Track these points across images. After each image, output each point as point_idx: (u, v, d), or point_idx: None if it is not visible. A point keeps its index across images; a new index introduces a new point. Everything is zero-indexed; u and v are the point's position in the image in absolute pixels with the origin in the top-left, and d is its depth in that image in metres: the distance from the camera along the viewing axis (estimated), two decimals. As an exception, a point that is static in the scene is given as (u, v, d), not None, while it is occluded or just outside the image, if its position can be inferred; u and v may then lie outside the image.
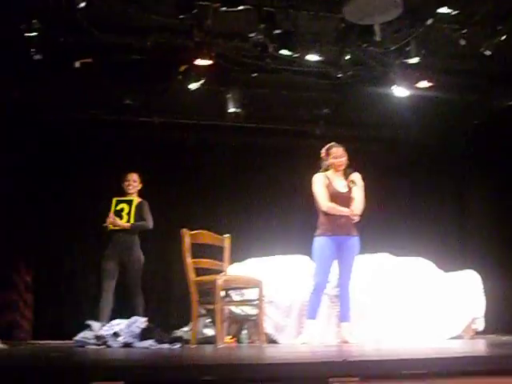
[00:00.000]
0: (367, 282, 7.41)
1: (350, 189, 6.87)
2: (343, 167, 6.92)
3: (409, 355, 4.27)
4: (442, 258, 8.48)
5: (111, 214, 7.60)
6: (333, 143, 6.98)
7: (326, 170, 6.96)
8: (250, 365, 3.80)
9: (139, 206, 7.74)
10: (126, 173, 7.80)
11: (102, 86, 8.26)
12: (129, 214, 7.67)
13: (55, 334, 8.03)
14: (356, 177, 6.92)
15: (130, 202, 7.72)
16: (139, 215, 7.70)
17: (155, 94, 8.53)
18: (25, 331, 8.36)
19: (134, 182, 7.79)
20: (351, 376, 3.36)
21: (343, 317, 6.87)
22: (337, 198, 6.81)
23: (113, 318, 6.97)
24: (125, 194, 7.78)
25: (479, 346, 6.15)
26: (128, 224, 7.64)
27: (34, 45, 6.90)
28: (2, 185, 7.96)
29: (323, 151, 6.99)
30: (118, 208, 7.68)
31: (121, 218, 7.63)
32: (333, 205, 6.75)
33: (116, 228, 7.62)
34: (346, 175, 6.93)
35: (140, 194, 7.86)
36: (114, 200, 7.69)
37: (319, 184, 6.84)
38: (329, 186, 6.83)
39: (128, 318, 6.68)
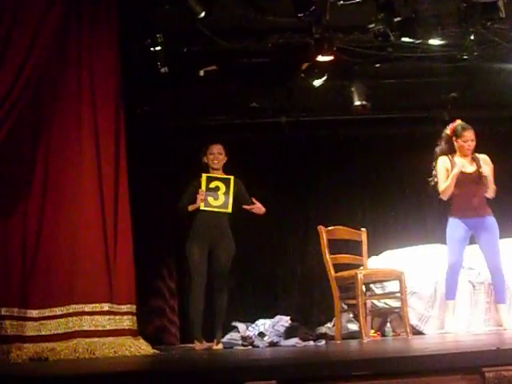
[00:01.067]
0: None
1: (478, 168, 6.67)
2: (471, 153, 6.73)
3: None
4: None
5: (202, 192, 6.52)
6: (462, 123, 6.76)
7: (449, 152, 6.78)
8: (397, 358, 3.77)
9: (238, 186, 6.74)
10: (208, 144, 6.78)
11: (227, 92, 8.41)
12: (226, 194, 6.59)
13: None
14: (485, 158, 6.71)
15: (226, 181, 6.62)
16: (242, 196, 6.73)
17: (280, 95, 8.60)
18: (173, 335, 8.60)
19: (219, 155, 6.72)
20: (508, 365, 3.27)
21: (499, 299, 6.70)
22: (466, 179, 6.63)
23: (257, 317, 7.07)
24: (207, 169, 6.74)
25: None
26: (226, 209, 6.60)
27: (159, 58, 7.12)
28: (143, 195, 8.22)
29: (449, 130, 6.80)
30: (212, 186, 6.60)
31: (216, 198, 6.59)
32: (450, 186, 6.58)
33: (208, 209, 6.57)
34: (473, 158, 6.74)
35: (224, 168, 6.86)
36: (205, 176, 6.61)
37: (440, 169, 6.71)
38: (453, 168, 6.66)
39: (271, 317, 6.79)
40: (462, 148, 6.71)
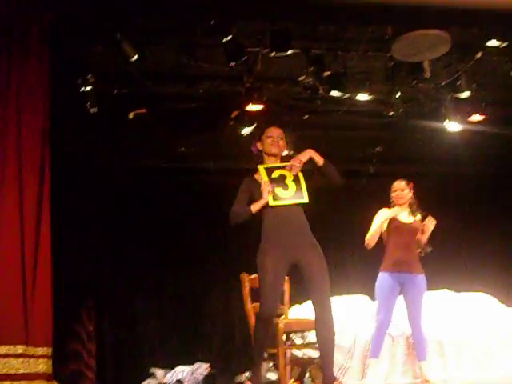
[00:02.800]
0: (428, 320, 7.31)
1: (414, 219, 6.79)
2: (403, 201, 6.85)
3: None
4: (504, 293, 8.33)
5: (267, 182, 5.15)
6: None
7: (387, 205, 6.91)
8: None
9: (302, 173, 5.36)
10: (266, 127, 5.53)
11: (156, 135, 8.40)
12: (296, 182, 5.25)
13: (119, 383, 8.08)
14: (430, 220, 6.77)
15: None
16: (309, 178, 5.37)
17: (209, 141, 8.64)
18: (90, 381, 8.41)
19: (280, 140, 5.47)
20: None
21: (420, 356, 6.75)
22: (402, 230, 6.74)
23: (176, 364, 6.99)
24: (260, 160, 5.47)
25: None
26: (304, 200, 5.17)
27: (89, 99, 7.08)
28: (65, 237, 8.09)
29: None
30: (275, 176, 5.23)
31: (285, 188, 5.21)
32: (371, 231, 6.66)
33: (279, 203, 5.16)
34: (413, 210, 6.86)
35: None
36: (262, 167, 5.29)
37: (376, 218, 6.80)
38: (392, 219, 6.77)
39: (191, 363, 6.71)
40: (393, 198, 6.84)
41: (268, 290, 5.03)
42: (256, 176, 5.33)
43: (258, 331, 5.14)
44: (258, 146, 5.46)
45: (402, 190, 6.82)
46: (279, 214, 5.12)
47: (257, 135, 5.61)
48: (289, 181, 5.20)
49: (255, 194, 5.20)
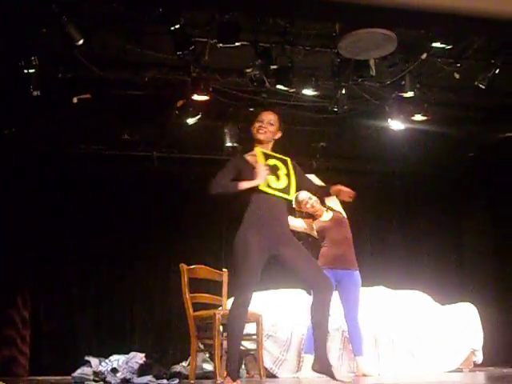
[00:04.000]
0: (363, 315, 7.41)
1: (332, 213, 6.89)
2: (319, 212, 6.91)
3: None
4: (439, 291, 8.49)
5: (263, 166, 4.90)
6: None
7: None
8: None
9: (298, 170, 5.22)
10: (259, 112, 5.29)
11: (100, 122, 8.31)
12: (288, 176, 5.07)
13: (53, 370, 7.99)
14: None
15: (284, 162, 5.12)
16: (305, 180, 5.29)
17: (153, 129, 8.59)
18: (22, 367, 8.31)
19: (269, 126, 5.11)
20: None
21: (357, 351, 6.84)
22: (326, 229, 6.85)
23: (111, 353, 6.93)
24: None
25: (479, 379, 6.14)
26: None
27: (32, 81, 6.96)
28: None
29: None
30: (270, 164, 5.01)
31: (277, 178, 5.01)
32: None
33: (269, 191, 4.94)
34: (326, 207, 6.93)
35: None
36: (260, 151, 5.02)
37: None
38: (315, 222, 6.90)
39: (126, 353, 6.66)
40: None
41: (250, 276, 4.80)
42: (248, 157, 5.08)
43: (236, 318, 4.90)
44: (251, 129, 5.14)
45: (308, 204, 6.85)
46: (267, 203, 4.90)
47: (253, 119, 5.23)
48: (281, 173, 5.03)
49: (242, 174, 4.95)
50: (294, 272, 4.94)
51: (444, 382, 5.49)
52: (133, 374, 6.35)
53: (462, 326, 7.67)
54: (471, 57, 7.31)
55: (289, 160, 5.15)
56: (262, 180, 4.85)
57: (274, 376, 7.10)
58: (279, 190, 4.95)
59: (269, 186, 4.90)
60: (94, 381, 6.38)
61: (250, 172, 4.91)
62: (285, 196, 5.00)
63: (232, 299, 7.23)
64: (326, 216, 6.90)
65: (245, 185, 4.86)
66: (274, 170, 4.97)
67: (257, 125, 5.06)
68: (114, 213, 8.82)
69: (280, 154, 5.11)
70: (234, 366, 4.90)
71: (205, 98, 7.50)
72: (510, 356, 8.69)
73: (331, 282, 4.98)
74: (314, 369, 4.96)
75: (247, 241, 4.80)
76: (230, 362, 4.91)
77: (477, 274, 9.75)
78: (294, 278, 7.88)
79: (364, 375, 6.72)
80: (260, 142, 5.06)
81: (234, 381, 4.79)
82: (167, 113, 8.17)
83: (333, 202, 6.85)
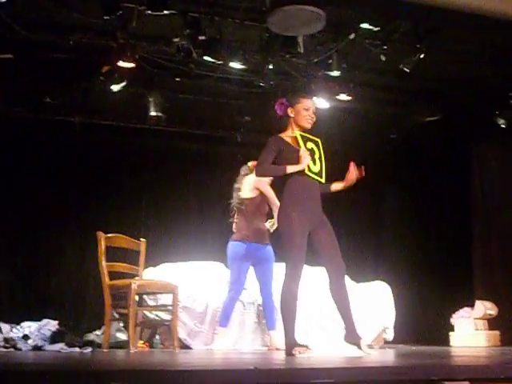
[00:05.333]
0: (277, 290, 7.49)
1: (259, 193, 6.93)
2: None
3: (317, 364, 4.33)
4: (356, 270, 8.65)
5: (305, 152, 5.21)
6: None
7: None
8: (161, 371, 3.79)
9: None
10: (301, 95, 5.42)
11: (21, 83, 8.11)
12: (321, 160, 5.38)
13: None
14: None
15: (317, 144, 5.41)
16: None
17: (77, 94, 8.42)
18: None
19: (314, 115, 5.39)
20: (261, 384, 3.40)
21: (271, 325, 6.94)
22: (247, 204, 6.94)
23: (23, 319, 6.83)
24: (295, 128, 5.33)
25: (388, 356, 6.28)
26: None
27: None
28: None
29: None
30: (309, 148, 5.29)
31: (314, 163, 5.30)
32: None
33: (311, 175, 5.27)
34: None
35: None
36: (299, 135, 5.27)
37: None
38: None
39: (39, 320, 6.58)
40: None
41: (297, 252, 5.09)
42: (285, 138, 5.31)
43: (289, 294, 5.16)
44: (289, 111, 5.35)
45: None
46: (307, 185, 5.24)
47: (288, 97, 5.43)
48: (317, 157, 5.30)
49: (283, 154, 5.23)
50: (319, 253, 5.29)
51: (354, 357, 5.60)
52: (45, 341, 6.28)
53: (375, 304, 7.84)
54: (398, 40, 7.40)
55: (319, 141, 5.40)
56: (306, 165, 5.15)
57: (188, 347, 7.12)
58: (316, 174, 5.26)
59: (309, 170, 5.20)
60: (5, 347, 6.28)
61: (290, 153, 5.22)
62: (319, 179, 5.32)
63: (148, 269, 7.27)
64: (249, 194, 6.95)
65: (291, 169, 5.16)
66: (311, 154, 5.23)
67: (306, 113, 5.30)
68: (31, 178, 8.62)
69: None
70: (291, 340, 5.15)
71: (131, 65, 7.40)
72: (419, 334, 8.93)
73: (344, 267, 5.41)
74: (346, 340, 5.36)
75: (291, 217, 5.12)
76: (288, 338, 5.15)
77: (393, 255, 9.96)
78: (214, 251, 7.96)
79: (277, 349, 6.80)
80: (303, 129, 5.33)
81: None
82: (92, 78, 8.01)
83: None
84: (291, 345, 5.11)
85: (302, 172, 5.17)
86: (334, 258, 5.30)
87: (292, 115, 5.33)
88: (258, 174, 5.51)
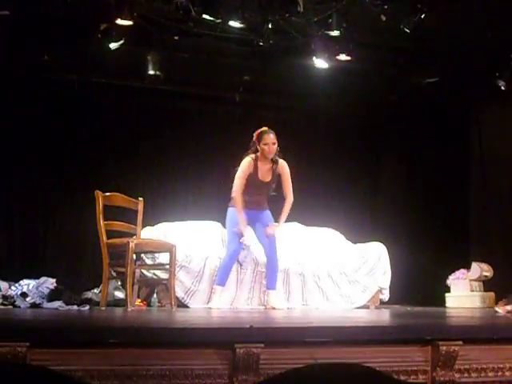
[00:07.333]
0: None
1: (273, 176, 6.98)
2: (272, 155, 6.96)
3: (313, 323, 4.37)
4: (353, 230, 8.69)
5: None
6: (265, 129, 7.00)
7: (255, 152, 7.00)
8: (158, 328, 3.83)
9: None
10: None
11: (19, 41, 8.03)
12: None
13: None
14: (283, 165, 7.01)
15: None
16: None
17: (74, 52, 8.34)
18: None
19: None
20: (257, 342, 3.43)
21: (270, 285, 7.03)
22: (258, 186, 6.98)
23: (21, 277, 6.86)
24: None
25: (384, 316, 6.34)
26: None
27: None
28: None
29: (254, 135, 7.00)
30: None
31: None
32: (239, 202, 6.86)
33: None
34: (273, 161, 6.99)
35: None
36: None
37: (242, 171, 6.93)
38: (253, 174, 6.94)
39: (37, 278, 6.61)
40: (263, 151, 6.94)
41: None
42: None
43: None
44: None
45: (274, 143, 6.92)
46: None
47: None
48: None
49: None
50: None
51: (350, 317, 5.64)
52: (43, 298, 6.32)
53: (371, 264, 7.89)
54: (398, 0, 7.33)
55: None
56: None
57: (185, 306, 7.17)
58: None
59: None
60: (3, 304, 6.33)
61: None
62: None
63: (146, 228, 7.29)
64: (267, 177, 7.07)
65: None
66: None
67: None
68: (29, 136, 8.57)
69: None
70: None
71: (129, 22, 7.34)
72: (415, 295, 8.99)
73: None
74: None
75: None
76: None
77: (389, 216, 9.98)
78: (211, 210, 7.96)
79: (274, 308, 6.86)
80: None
81: None
82: (90, 36, 7.93)
83: None
84: None
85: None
86: None
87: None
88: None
